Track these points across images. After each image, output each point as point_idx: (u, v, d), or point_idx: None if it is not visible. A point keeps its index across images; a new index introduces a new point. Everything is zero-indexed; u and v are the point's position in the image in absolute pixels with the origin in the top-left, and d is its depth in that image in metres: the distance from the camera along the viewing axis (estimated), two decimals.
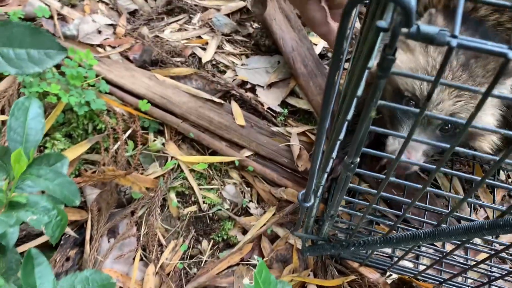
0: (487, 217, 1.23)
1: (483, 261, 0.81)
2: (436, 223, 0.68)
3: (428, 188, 0.58)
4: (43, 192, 0.82)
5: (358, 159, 0.57)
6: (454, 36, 0.32)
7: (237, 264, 1.10)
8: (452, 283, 1.00)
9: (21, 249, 1.01)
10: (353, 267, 1.08)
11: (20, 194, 0.68)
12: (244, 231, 1.15)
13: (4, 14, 1.27)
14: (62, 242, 1.04)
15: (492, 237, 1.07)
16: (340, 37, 0.37)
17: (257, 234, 1.12)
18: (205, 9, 1.46)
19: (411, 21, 0.31)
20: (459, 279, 1.03)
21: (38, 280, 0.72)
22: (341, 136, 0.56)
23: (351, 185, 0.68)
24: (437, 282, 1.03)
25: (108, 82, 1.18)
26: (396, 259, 0.98)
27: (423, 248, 1.10)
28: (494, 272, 1.03)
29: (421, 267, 1.03)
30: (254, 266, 1.10)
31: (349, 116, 0.51)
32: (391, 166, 0.55)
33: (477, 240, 1.14)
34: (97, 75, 1.15)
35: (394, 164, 0.54)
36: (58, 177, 0.79)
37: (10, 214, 0.72)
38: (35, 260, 0.73)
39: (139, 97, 1.19)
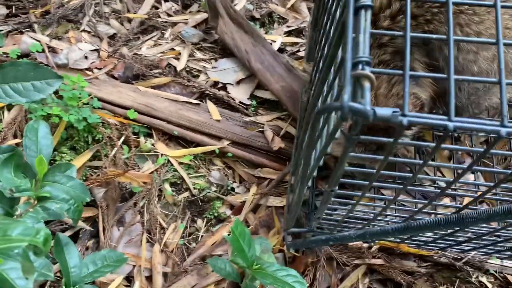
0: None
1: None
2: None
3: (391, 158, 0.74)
4: None
5: (337, 187, 0.70)
6: (404, 115, 0.40)
7: (228, 234, 1.31)
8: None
9: None
10: None
11: (45, 191, 0.89)
12: (231, 207, 1.36)
13: (3, 54, 1.48)
14: (80, 235, 1.25)
15: None
16: None
17: (244, 207, 1.33)
18: (174, 24, 1.67)
19: (368, 118, 0.38)
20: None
21: (67, 255, 0.93)
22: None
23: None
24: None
25: (99, 99, 1.39)
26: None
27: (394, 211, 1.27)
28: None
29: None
30: None
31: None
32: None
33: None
34: (89, 95, 1.36)
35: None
36: (70, 181, 1.00)
37: (37, 210, 0.93)
38: (62, 241, 0.95)
39: (127, 108, 1.40)
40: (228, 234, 1.31)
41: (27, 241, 0.65)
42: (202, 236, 1.31)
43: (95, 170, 1.33)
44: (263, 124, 1.47)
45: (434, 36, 0.57)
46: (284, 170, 1.38)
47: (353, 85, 0.39)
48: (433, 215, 1.27)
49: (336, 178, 0.67)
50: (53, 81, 1.03)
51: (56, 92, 1.33)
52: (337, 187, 0.73)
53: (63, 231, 1.24)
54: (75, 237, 1.25)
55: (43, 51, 1.52)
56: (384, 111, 0.37)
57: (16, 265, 0.70)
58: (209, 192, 1.36)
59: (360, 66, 0.38)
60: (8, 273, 0.71)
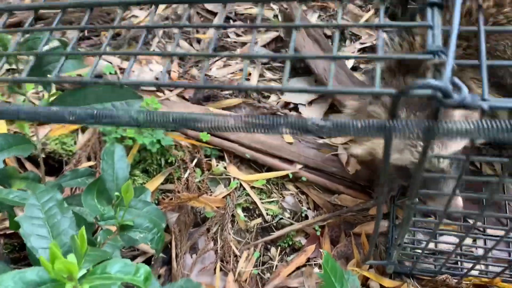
0: None
1: None
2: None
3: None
4: None
5: (417, 200, 0.68)
6: (484, 100, 0.39)
7: (304, 265, 1.23)
8: None
9: None
10: None
11: (128, 219, 0.85)
12: (306, 235, 1.28)
13: (78, 76, 1.50)
14: (152, 262, 1.21)
15: None
16: None
17: (321, 237, 1.25)
18: (243, 44, 1.64)
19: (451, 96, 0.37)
20: None
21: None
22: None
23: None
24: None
25: None
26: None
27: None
28: None
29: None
30: (319, 265, 1.23)
31: None
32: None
33: None
34: None
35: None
36: (146, 206, 0.97)
37: (116, 238, 0.89)
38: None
39: (199, 130, 1.36)
40: (304, 265, 1.23)
41: (127, 279, 0.61)
42: (276, 266, 1.24)
43: (168, 194, 1.30)
44: (337, 146, 1.40)
45: None
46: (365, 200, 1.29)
47: (434, 71, 0.40)
48: None
49: (415, 188, 0.63)
50: (133, 101, 1.00)
51: None
52: (417, 200, 0.67)
53: (134, 257, 1.21)
54: (146, 264, 1.21)
55: (115, 72, 1.53)
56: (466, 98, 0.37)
57: None
58: (282, 219, 1.29)
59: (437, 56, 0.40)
60: None
